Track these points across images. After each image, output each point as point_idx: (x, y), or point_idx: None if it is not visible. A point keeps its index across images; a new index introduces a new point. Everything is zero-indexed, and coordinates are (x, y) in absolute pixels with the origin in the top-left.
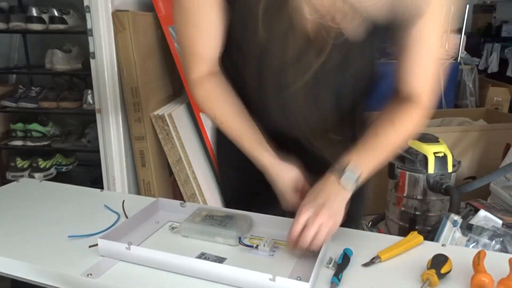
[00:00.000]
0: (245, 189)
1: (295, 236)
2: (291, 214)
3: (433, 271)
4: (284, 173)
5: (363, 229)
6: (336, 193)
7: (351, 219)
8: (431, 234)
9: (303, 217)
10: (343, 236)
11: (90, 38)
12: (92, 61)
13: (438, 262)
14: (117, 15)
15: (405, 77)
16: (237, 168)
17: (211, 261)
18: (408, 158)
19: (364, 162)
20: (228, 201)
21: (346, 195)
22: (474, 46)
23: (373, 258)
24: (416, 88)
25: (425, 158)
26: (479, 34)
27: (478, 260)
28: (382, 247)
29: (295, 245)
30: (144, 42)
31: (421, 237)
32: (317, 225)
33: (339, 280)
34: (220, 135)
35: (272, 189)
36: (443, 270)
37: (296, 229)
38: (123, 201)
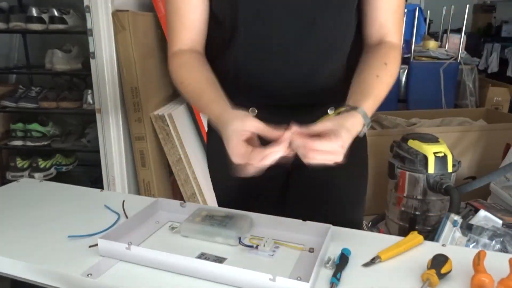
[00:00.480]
0: (237, 193)
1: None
2: (290, 214)
3: (433, 271)
4: (234, 121)
5: (363, 229)
6: (355, 133)
7: (352, 226)
8: (431, 234)
9: (325, 127)
10: (343, 236)
11: (90, 38)
12: (92, 61)
13: (438, 262)
14: (117, 15)
15: (374, 21)
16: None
17: (211, 261)
18: (408, 158)
19: (370, 107)
20: (220, 197)
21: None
22: (474, 46)
23: (373, 258)
24: (388, 30)
25: (425, 158)
26: (479, 34)
27: (478, 260)
28: (382, 247)
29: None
30: (144, 42)
31: (421, 237)
32: (324, 153)
33: (338, 280)
34: (211, 140)
35: (266, 192)
36: (443, 270)
37: (313, 130)
38: (123, 201)
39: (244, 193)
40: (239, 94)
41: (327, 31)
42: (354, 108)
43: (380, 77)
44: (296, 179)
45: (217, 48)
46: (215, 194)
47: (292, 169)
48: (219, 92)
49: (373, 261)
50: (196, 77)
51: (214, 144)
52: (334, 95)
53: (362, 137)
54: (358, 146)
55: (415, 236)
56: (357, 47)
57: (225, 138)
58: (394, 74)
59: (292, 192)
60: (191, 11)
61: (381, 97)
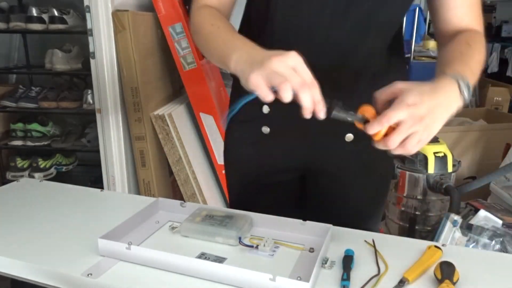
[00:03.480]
0: (250, 192)
1: (383, 125)
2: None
3: (448, 282)
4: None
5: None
6: (451, 99)
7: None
8: (431, 234)
9: (401, 113)
10: (343, 236)
11: (90, 38)
12: (92, 61)
13: (448, 272)
14: (117, 15)
15: (449, 18)
16: (243, 170)
17: (211, 261)
18: (408, 158)
19: (471, 78)
20: (233, 202)
21: (458, 105)
22: None
23: (400, 281)
24: (465, 23)
25: (425, 158)
26: None
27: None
28: (382, 247)
29: (379, 139)
30: (144, 42)
31: (440, 252)
32: (409, 132)
33: (349, 280)
34: (228, 138)
35: (276, 192)
36: (455, 279)
37: (388, 118)
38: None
39: (258, 200)
40: None
41: (355, 30)
42: (453, 75)
43: (465, 53)
44: (310, 190)
45: (253, 26)
46: (229, 199)
47: (305, 174)
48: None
49: (401, 284)
50: (227, 24)
51: (233, 143)
52: (369, 77)
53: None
54: (377, 156)
55: (434, 251)
56: (401, 34)
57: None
58: (481, 53)
59: (309, 203)
60: None
61: (472, 65)
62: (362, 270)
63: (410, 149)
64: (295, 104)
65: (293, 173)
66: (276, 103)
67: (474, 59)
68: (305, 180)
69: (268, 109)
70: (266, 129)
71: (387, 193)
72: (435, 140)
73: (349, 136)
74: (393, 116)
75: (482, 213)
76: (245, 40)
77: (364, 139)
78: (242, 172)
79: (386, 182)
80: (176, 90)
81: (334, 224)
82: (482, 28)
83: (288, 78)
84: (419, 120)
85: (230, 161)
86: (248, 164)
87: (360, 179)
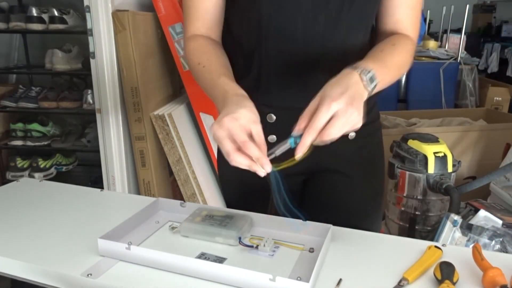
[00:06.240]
0: (245, 190)
1: (306, 118)
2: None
3: (448, 282)
4: (250, 106)
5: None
6: (358, 87)
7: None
8: (431, 234)
9: (315, 102)
10: (343, 236)
11: (90, 38)
12: (92, 61)
13: (448, 272)
14: (117, 15)
15: (390, 17)
16: (243, 184)
17: (211, 261)
18: (408, 158)
19: (380, 72)
20: (229, 202)
21: (365, 95)
22: (474, 46)
23: (400, 281)
24: (404, 26)
25: (425, 158)
26: (479, 34)
27: (480, 255)
28: (383, 247)
29: (306, 129)
30: (144, 42)
31: (440, 252)
32: (332, 109)
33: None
34: None
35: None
36: (455, 279)
37: (308, 112)
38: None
39: (257, 204)
40: (259, 95)
41: (351, 29)
42: (357, 67)
43: (385, 51)
44: (312, 188)
45: (241, 46)
46: (225, 201)
47: (308, 177)
48: (230, 73)
49: (401, 284)
50: (212, 60)
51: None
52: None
53: (379, 145)
54: (376, 153)
55: (434, 251)
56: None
57: (232, 108)
58: (403, 55)
59: (308, 202)
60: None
61: (388, 62)
62: (362, 270)
63: (334, 129)
64: (300, 109)
65: (296, 178)
66: (281, 110)
67: (392, 58)
68: (306, 183)
69: (274, 118)
70: (272, 138)
71: (383, 191)
72: (435, 140)
73: (352, 134)
74: (306, 112)
75: (482, 213)
76: (223, 87)
77: (364, 136)
78: (241, 186)
79: (382, 179)
80: (176, 90)
81: (335, 224)
82: (415, 36)
83: (222, 143)
84: (335, 98)
85: (227, 174)
86: (249, 177)
87: (362, 174)
